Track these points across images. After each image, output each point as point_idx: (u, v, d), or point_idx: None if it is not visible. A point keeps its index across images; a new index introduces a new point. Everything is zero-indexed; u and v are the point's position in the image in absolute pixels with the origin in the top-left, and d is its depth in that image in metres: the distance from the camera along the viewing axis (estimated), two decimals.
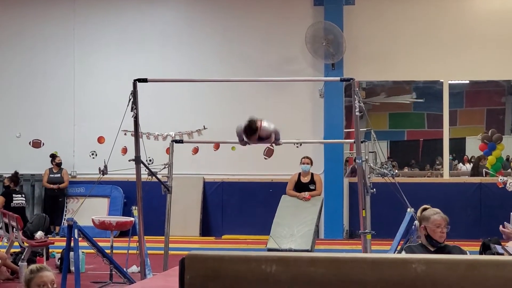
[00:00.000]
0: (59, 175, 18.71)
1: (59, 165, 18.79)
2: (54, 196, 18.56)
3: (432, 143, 20.20)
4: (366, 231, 9.97)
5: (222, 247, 16.42)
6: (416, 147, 21.17)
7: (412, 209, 10.46)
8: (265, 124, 10.10)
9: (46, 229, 13.73)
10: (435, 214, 6.50)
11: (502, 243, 10.85)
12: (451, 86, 18.59)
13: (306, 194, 13.20)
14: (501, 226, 8.97)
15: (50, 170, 18.78)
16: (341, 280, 3.16)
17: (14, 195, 14.70)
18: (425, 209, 6.66)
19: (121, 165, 11.32)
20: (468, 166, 19.82)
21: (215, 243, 17.29)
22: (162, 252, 11.50)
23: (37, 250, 12.93)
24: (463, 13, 18.45)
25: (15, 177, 15.17)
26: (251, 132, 10.01)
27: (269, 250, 12.06)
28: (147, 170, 10.57)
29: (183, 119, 18.73)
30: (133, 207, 11.78)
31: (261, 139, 10.26)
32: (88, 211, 15.38)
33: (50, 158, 18.83)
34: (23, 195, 15.08)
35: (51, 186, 18.51)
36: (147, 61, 18.78)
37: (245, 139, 10.25)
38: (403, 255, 5.39)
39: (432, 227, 6.42)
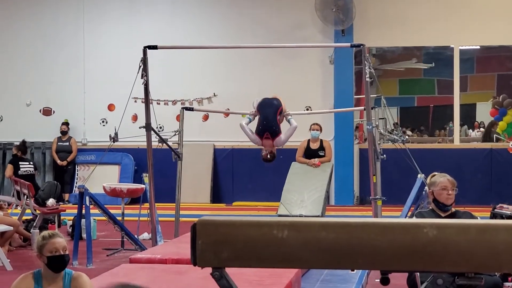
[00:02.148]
0: (67, 143, 18.77)
1: (63, 133, 18.82)
2: (64, 164, 18.65)
3: (443, 109, 20.14)
4: (377, 197, 9.98)
5: (233, 213, 16.47)
6: (426, 113, 21.11)
7: (423, 175, 10.45)
8: (280, 139, 10.09)
9: (58, 197, 13.79)
10: (441, 177, 6.55)
11: None
12: (461, 52, 18.50)
13: (316, 160, 13.19)
14: None
15: (59, 138, 18.86)
16: (352, 245, 3.17)
17: (21, 163, 14.71)
18: (434, 176, 6.70)
19: (132, 132, 11.34)
20: (478, 132, 19.76)
21: (226, 210, 17.34)
22: (173, 219, 11.54)
23: (49, 217, 12.99)
24: None
25: (23, 146, 15.18)
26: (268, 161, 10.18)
27: (280, 216, 12.08)
28: (157, 137, 10.60)
29: (193, 86, 18.72)
30: (144, 174, 11.82)
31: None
32: (99, 179, 15.44)
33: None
34: (31, 163, 15.09)
35: (59, 161, 18.58)
36: (156, 28, 18.74)
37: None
38: (415, 219, 5.40)
39: (438, 190, 6.45)
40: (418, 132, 20.68)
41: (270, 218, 3.40)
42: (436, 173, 6.73)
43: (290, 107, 10.97)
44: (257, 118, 10.33)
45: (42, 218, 12.50)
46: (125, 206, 12.26)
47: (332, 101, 17.95)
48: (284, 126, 10.32)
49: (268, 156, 10.15)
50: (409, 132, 20.56)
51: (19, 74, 19.46)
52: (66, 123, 18.94)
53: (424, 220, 3.28)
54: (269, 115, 10.13)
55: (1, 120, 19.68)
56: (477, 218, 6.50)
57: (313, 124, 13.61)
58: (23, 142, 15.32)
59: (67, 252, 5.34)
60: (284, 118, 10.44)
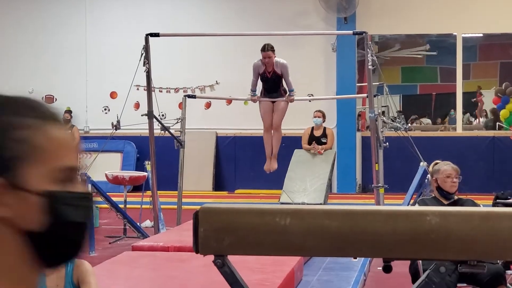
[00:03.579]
0: (69, 131, 18.72)
1: (66, 121, 18.82)
2: None
3: (445, 97, 20.13)
4: (379, 185, 9.99)
5: (235, 201, 16.49)
6: (428, 101, 21.11)
7: (425, 163, 10.45)
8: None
9: None
10: (445, 165, 6.54)
11: None
12: (464, 39, 18.46)
13: (319, 147, 13.21)
14: None
15: None
16: (356, 232, 3.17)
17: None
18: (436, 163, 6.69)
19: (134, 120, 11.34)
20: (480, 120, 19.75)
21: (228, 198, 17.36)
22: (175, 206, 11.56)
23: None
24: None
25: None
26: (268, 48, 10.82)
27: (282, 204, 12.09)
28: (159, 125, 10.60)
29: (196, 74, 18.71)
30: (146, 162, 11.82)
31: (276, 78, 10.66)
32: (101, 166, 15.44)
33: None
34: None
35: None
36: (159, 15, 18.72)
37: (260, 71, 10.79)
38: (418, 207, 5.40)
39: (442, 178, 6.44)
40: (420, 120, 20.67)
41: (273, 205, 3.41)
42: (439, 161, 6.71)
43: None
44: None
45: None
46: (127, 193, 12.27)
47: (335, 88, 17.94)
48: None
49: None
50: (426, 120, 20.52)
51: (21, 62, 19.45)
52: (68, 111, 18.94)
53: (427, 208, 3.27)
54: None
55: None
56: (480, 206, 6.51)
57: (316, 111, 13.62)
58: None
59: None
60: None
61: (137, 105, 18.14)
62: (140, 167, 16.76)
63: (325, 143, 13.31)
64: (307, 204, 12.00)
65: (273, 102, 11.28)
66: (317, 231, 3.19)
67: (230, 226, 3.25)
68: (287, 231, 3.20)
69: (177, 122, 11.46)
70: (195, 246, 3.29)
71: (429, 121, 20.60)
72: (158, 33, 10.04)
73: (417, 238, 3.15)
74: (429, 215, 3.14)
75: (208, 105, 18.73)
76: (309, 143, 13.37)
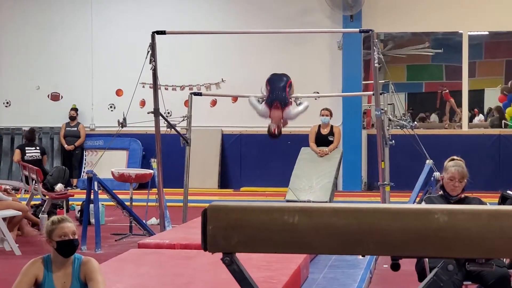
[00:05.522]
0: (75, 128, 18.76)
1: (72, 119, 18.81)
2: (71, 149, 18.67)
3: (451, 94, 20.09)
4: (385, 182, 9.98)
5: (241, 199, 16.48)
6: (434, 99, 21.07)
7: (431, 161, 10.45)
8: (290, 112, 10.22)
9: (66, 182, 13.77)
10: (452, 166, 6.45)
11: None
12: (470, 37, 18.41)
13: (325, 150, 13.15)
14: None
15: (67, 123, 18.84)
16: (363, 230, 3.17)
17: (27, 148, 14.67)
18: (452, 159, 6.59)
19: (140, 117, 11.34)
20: (479, 118, 19.71)
21: (234, 195, 17.34)
22: (181, 204, 11.56)
23: (57, 202, 13.01)
24: None
25: (28, 134, 15.14)
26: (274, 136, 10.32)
27: (288, 202, 12.07)
28: (165, 122, 10.60)
29: (201, 72, 18.69)
30: (152, 160, 11.82)
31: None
32: (107, 164, 15.46)
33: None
34: (38, 148, 15.02)
35: (66, 146, 18.58)
36: (165, 13, 18.71)
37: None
38: (426, 205, 5.38)
39: (446, 179, 6.41)
40: (426, 119, 20.64)
41: (281, 203, 3.40)
42: (455, 157, 6.59)
43: (298, 92, 11.00)
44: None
45: (51, 203, 12.52)
46: (133, 191, 12.27)
47: (340, 86, 17.92)
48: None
49: (275, 132, 10.18)
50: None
51: (27, 59, 19.45)
52: (74, 109, 18.95)
53: (435, 206, 3.27)
54: (278, 87, 10.24)
55: (9, 105, 19.69)
56: (486, 204, 6.48)
57: (323, 109, 13.55)
58: (30, 131, 15.24)
59: (76, 237, 5.34)
60: (294, 101, 10.50)
61: (143, 103, 18.14)
62: (146, 164, 16.76)
63: (332, 142, 13.26)
64: (313, 202, 11.98)
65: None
66: (325, 228, 3.19)
67: (238, 224, 3.26)
68: (295, 228, 3.21)
69: (183, 120, 11.46)
70: (204, 244, 3.29)
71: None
72: (165, 31, 10.04)
73: (425, 236, 3.15)
74: (437, 213, 3.14)
75: (214, 103, 18.72)
76: (316, 142, 13.31)
